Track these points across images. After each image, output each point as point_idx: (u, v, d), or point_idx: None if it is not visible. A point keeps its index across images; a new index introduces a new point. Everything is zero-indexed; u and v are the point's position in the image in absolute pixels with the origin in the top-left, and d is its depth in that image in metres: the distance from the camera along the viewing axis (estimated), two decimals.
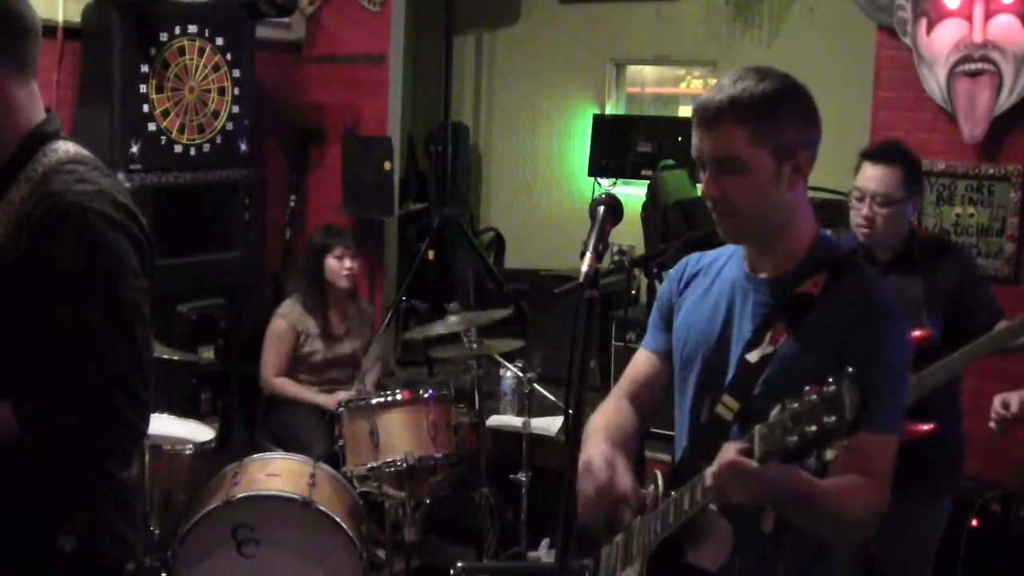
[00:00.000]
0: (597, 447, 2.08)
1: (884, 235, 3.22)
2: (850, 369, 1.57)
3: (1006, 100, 4.39)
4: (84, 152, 2.02)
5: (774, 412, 1.66)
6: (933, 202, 4.64)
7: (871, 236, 3.21)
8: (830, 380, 1.58)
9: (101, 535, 2.02)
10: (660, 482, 2.04)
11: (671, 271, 2.28)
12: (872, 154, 3.26)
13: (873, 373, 1.67)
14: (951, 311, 3.21)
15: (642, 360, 2.29)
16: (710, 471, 1.79)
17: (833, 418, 1.55)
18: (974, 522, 3.95)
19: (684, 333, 2.13)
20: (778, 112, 1.92)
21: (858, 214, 3.22)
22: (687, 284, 2.19)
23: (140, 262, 1.97)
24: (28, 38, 1.97)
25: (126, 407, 1.89)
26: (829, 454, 1.58)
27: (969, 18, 4.41)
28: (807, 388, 1.61)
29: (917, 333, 3.15)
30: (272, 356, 4.81)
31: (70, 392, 1.89)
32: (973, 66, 4.41)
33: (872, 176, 3.19)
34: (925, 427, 3.13)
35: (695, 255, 2.23)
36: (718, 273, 2.13)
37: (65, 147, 1.98)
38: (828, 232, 2.11)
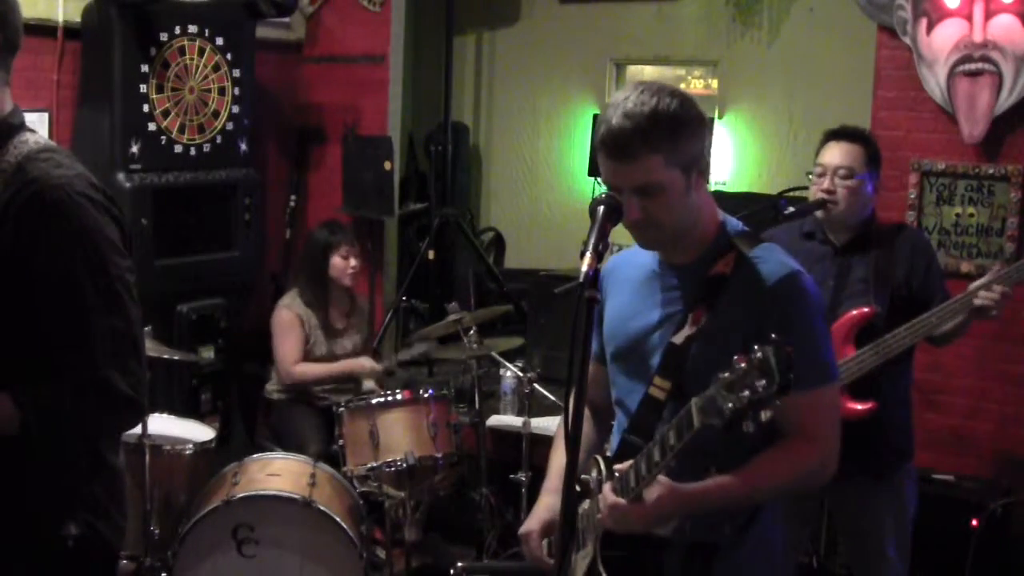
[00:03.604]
0: (541, 506, 2.32)
1: (845, 212, 3.24)
2: (773, 335, 1.72)
3: (1006, 100, 4.38)
4: (52, 143, 2.05)
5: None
6: (933, 202, 4.64)
7: (831, 212, 3.23)
8: (755, 348, 1.72)
9: (99, 520, 2.04)
10: (602, 466, 2.14)
11: None
12: (836, 133, 3.33)
13: (793, 334, 1.80)
14: (898, 294, 3.23)
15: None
16: (600, 517, 2.04)
17: (764, 381, 1.69)
18: (974, 522, 3.95)
19: (611, 329, 2.26)
20: (682, 131, 2.03)
21: (819, 188, 3.24)
22: (607, 285, 2.30)
23: (121, 243, 2.00)
24: (15, 32, 1.99)
25: (124, 385, 1.91)
26: (764, 415, 1.72)
27: (969, 18, 4.41)
28: (735, 358, 1.75)
29: (865, 310, 3.20)
30: (287, 347, 4.74)
31: (68, 376, 1.90)
32: (973, 66, 4.41)
33: (835, 152, 3.26)
34: (861, 406, 3.14)
35: (613, 257, 2.36)
36: (633, 268, 2.25)
37: (35, 138, 2.00)
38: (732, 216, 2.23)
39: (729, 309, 2.06)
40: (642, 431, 2.10)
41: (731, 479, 2.01)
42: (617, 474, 2.05)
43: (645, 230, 2.09)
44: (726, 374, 1.76)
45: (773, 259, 2.11)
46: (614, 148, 2.03)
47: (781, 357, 1.69)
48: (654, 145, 2.00)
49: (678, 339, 2.09)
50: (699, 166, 2.08)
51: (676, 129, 2.02)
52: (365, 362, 4.81)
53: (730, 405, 1.74)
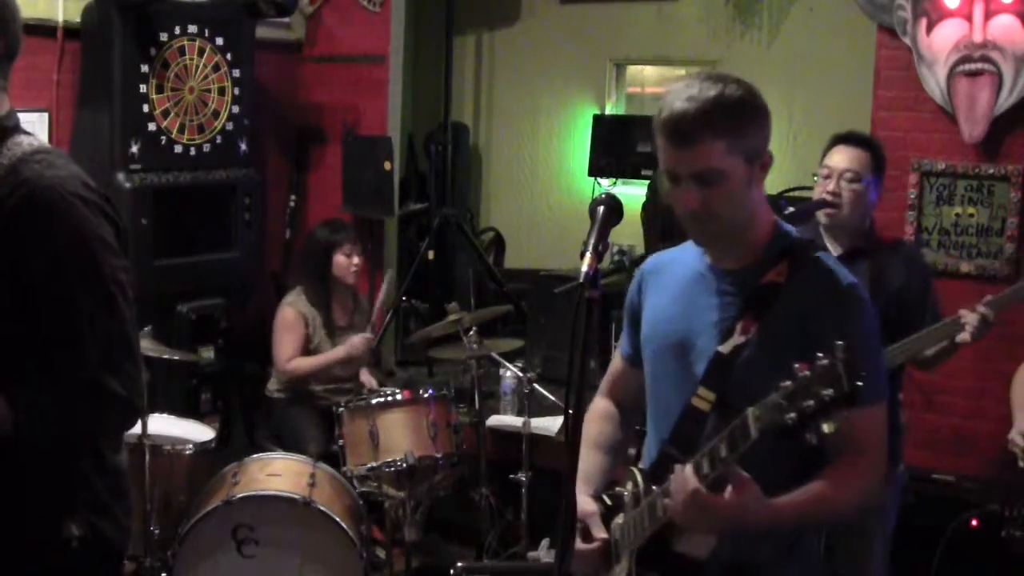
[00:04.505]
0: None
1: (847, 217, 3.24)
2: (839, 343, 1.62)
3: (1006, 100, 4.39)
4: (47, 144, 2.05)
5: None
6: (933, 202, 4.64)
7: (834, 217, 3.23)
8: (820, 355, 1.63)
9: (102, 520, 2.04)
10: (639, 479, 2.08)
11: (635, 274, 2.33)
12: (845, 137, 3.33)
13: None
14: (890, 307, 3.22)
15: (618, 362, 2.38)
16: (670, 502, 1.89)
17: (830, 390, 1.60)
18: (974, 522, 3.95)
19: (650, 331, 2.18)
20: (747, 119, 1.96)
21: (823, 190, 3.24)
22: (647, 285, 2.23)
23: (116, 242, 1.99)
24: (15, 38, 2.00)
25: (117, 385, 1.91)
26: (827, 427, 1.62)
27: (969, 18, 4.41)
28: (797, 366, 1.66)
29: None
30: (286, 344, 4.74)
31: (61, 377, 1.90)
32: (973, 66, 4.41)
33: (844, 156, 3.26)
34: None
35: (654, 256, 2.29)
36: (679, 269, 2.16)
37: (28, 140, 1.99)
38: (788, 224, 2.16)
39: (782, 320, 1.96)
40: (682, 443, 2.00)
41: (801, 499, 1.89)
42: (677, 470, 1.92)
43: (702, 223, 1.98)
44: (787, 383, 1.67)
45: (831, 270, 2.02)
46: (675, 132, 1.94)
47: (849, 365, 1.60)
48: (717, 130, 1.92)
49: (725, 348, 1.99)
50: (762, 159, 1.99)
51: (740, 115, 1.94)
52: (355, 339, 4.73)
53: (792, 415, 1.65)
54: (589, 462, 2.25)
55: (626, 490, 2.10)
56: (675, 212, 2.03)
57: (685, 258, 2.15)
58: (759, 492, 1.82)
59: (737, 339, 1.98)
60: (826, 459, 1.94)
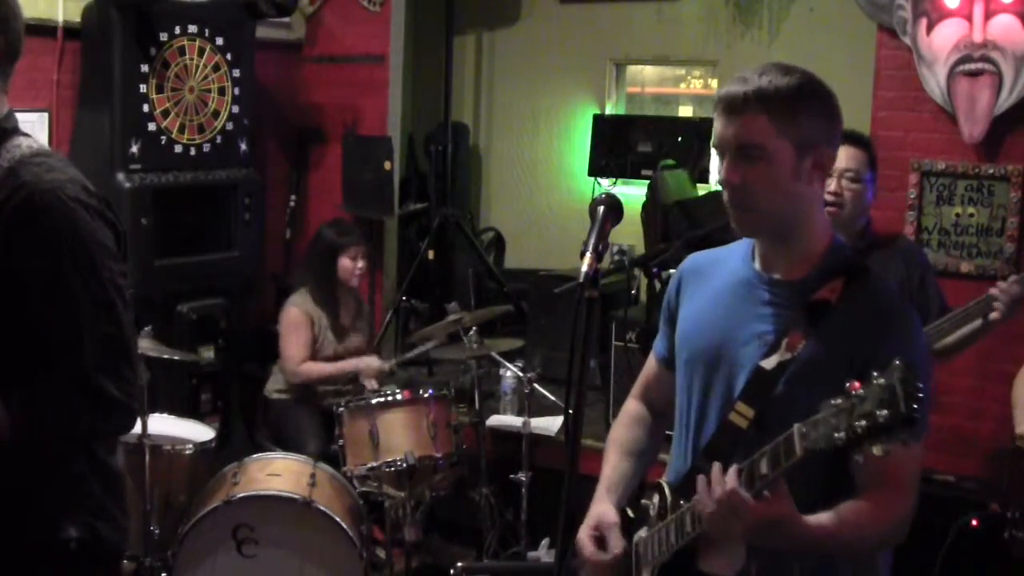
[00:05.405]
0: (592, 514, 2.12)
1: (849, 216, 3.24)
2: (897, 362, 1.54)
3: (1006, 100, 4.39)
4: (47, 147, 2.05)
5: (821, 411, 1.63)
6: (933, 202, 4.64)
7: (836, 216, 3.23)
8: (875, 374, 1.55)
9: (100, 521, 2.04)
10: (667, 492, 2.02)
11: (674, 272, 2.26)
12: (844, 136, 3.31)
13: None
14: None
15: (652, 364, 2.31)
16: (704, 500, 1.80)
17: (886, 411, 1.51)
18: (974, 522, 3.94)
19: (687, 334, 2.10)
20: (802, 105, 1.90)
21: (825, 190, 3.24)
22: (687, 285, 2.16)
23: (116, 246, 1.98)
24: (17, 37, 2.01)
25: (114, 389, 1.91)
26: (878, 451, 1.53)
27: (969, 18, 4.41)
28: (848, 385, 1.58)
29: None
30: (295, 345, 4.75)
31: (59, 381, 1.90)
32: (973, 66, 4.41)
33: (842, 155, 3.24)
34: None
35: (695, 255, 2.21)
36: (722, 272, 2.07)
37: (28, 142, 1.99)
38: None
39: (834, 340, 1.87)
40: (716, 458, 1.89)
41: (832, 524, 1.82)
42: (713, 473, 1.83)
43: (741, 204, 1.92)
44: (838, 399, 1.59)
45: (889, 292, 1.96)
46: (726, 104, 1.91)
47: (908, 386, 1.50)
48: (768, 106, 1.87)
49: (768, 363, 1.90)
50: (816, 153, 1.91)
51: (795, 98, 1.88)
52: (372, 361, 4.82)
53: (841, 435, 1.56)
54: (615, 469, 2.21)
55: (652, 503, 2.05)
56: (721, 194, 1.97)
57: (730, 261, 2.07)
58: (794, 507, 1.76)
59: (783, 355, 1.90)
60: (853, 490, 1.87)
